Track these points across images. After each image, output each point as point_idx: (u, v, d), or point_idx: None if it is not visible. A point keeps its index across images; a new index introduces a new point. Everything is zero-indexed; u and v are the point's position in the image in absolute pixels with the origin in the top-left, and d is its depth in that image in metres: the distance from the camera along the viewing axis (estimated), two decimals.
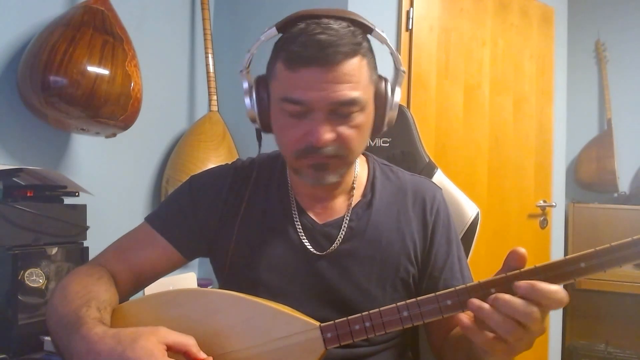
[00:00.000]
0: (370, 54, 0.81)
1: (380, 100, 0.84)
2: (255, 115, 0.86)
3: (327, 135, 0.77)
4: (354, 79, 0.77)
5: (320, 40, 0.75)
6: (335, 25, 0.77)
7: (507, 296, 0.62)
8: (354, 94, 0.77)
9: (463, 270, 0.93)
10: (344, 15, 0.80)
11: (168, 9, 2.01)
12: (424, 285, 0.91)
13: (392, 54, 0.85)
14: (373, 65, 0.83)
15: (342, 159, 0.81)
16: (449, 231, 0.94)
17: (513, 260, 0.66)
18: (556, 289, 0.61)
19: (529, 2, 2.48)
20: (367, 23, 0.82)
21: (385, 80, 0.85)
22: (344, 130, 0.79)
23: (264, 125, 0.87)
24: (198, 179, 0.96)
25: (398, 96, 0.86)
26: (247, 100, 0.86)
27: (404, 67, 0.87)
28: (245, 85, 0.87)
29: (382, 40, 0.83)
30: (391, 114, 0.86)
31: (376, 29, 0.82)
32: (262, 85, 0.85)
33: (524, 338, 0.62)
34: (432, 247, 0.91)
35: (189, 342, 0.68)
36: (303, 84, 0.76)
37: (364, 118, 0.81)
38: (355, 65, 0.77)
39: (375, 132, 0.86)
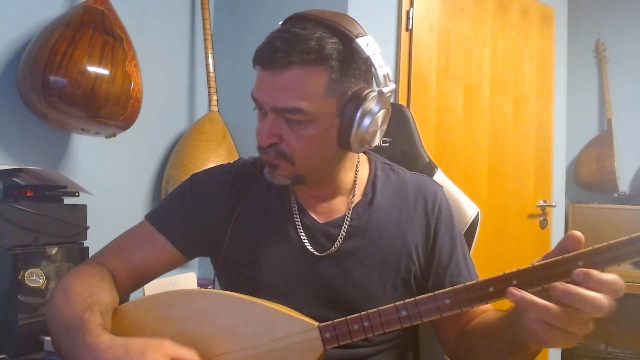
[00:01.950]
0: (339, 65, 0.76)
1: (346, 118, 0.78)
2: None
3: (267, 137, 0.79)
4: (298, 89, 0.75)
5: (272, 43, 0.76)
6: (301, 30, 0.76)
7: (576, 289, 0.58)
8: (295, 103, 0.76)
9: (469, 266, 0.92)
10: (330, 20, 0.77)
11: (168, 9, 2.01)
12: (430, 283, 0.90)
13: (373, 73, 0.79)
14: (339, 77, 0.77)
15: (291, 164, 0.81)
16: (452, 228, 0.93)
17: (570, 243, 0.63)
18: (613, 280, 0.59)
19: (529, 2, 2.48)
20: (348, 32, 0.77)
21: (363, 97, 0.78)
22: (290, 137, 0.79)
23: None
24: (200, 177, 0.96)
25: (369, 117, 0.78)
26: None
27: (390, 85, 0.79)
28: None
29: (362, 54, 0.77)
30: (363, 135, 0.79)
31: (357, 40, 0.76)
32: None
33: (586, 328, 0.60)
34: (435, 245, 0.91)
35: (192, 356, 0.69)
36: (257, 83, 0.79)
37: (314, 130, 0.79)
38: (301, 74, 0.75)
39: (343, 147, 0.81)
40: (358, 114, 0.78)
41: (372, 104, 0.79)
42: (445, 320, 0.83)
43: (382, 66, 0.78)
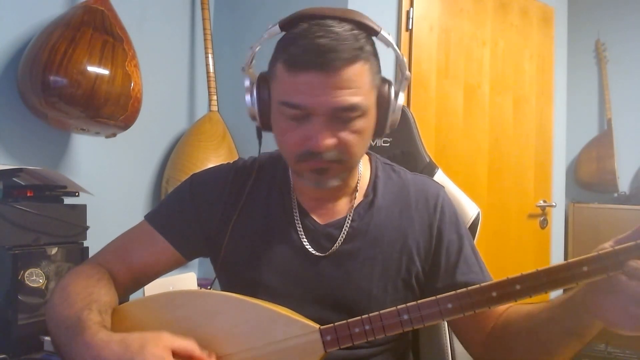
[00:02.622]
0: (373, 57, 0.79)
1: (383, 104, 0.82)
2: (255, 113, 0.85)
3: (327, 141, 0.76)
4: (355, 85, 0.75)
5: (320, 44, 0.73)
6: (337, 27, 0.75)
7: None
8: (354, 99, 0.75)
9: (480, 263, 0.90)
10: (348, 16, 0.78)
11: (168, 9, 2.01)
12: (438, 284, 0.88)
13: (397, 58, 0.83)
14: (376, 69, 0.80)
15: (343, 163, 0.80)
16: (458, 226, 0.92)
17: None
18: None
19: (529, 2, 2.48)
20: (372, 25, 0.79)
21: (389, 83, 0.83)
22: (345, 135, 0.78)
23: (264, 124, 0.85)
24: (199, 177, 0.96)
25: (401, 100, 0.85)
26: (247, 98, 0.85)
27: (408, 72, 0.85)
28: (247, 82, 0.85)
29: (388, 44, 0.81)
30: (394, 118, 0.85)
31: (382, 32, 0.80)
32: (263, 83, 0.83)
33: None
34: (440, 244, 0.90)
35: (192, 345, 0.70)
36: (302, 89, 0.75)
37: (365, 123, 0.80)
38: (356, 71, 0.75)
39: (377, 135, 0.85)
40: (392, 100, 0.82)
41: (399, 88, 0.84)
42: (466, 322, 0.82)
43: (402, 54, 0.83)
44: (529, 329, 0.78)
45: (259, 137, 0.90)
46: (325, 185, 0.82)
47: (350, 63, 0.74)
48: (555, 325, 0.72)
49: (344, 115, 0.76)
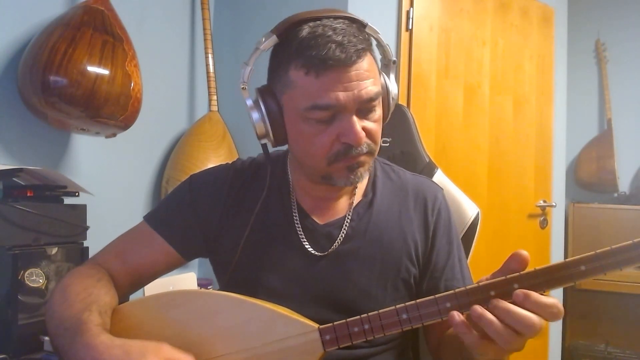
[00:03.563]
0: (372, 47, 0.82)
1: (385, 90, 0.84)
2: (268, 130, 0.81)
3: (362, 132, 0.77)
4: (372, 74, 0.78)
5: (337, 40, 0.74)
6: (338, 24, 0.76)
7: (509, 305, 0.61)
8: (375, 88, 0.78)
9: (463, 271, 0.93)
10: (338, 14, 0.79)
11: (168, 9, 2.01)
12: (424, 285, 0.91)
13: (383, 46, 0.85)
14: (376, 58, 0.83)
15: (372, 154, 0.82)
16: (450, 232, 0.94)
17: (515, 263, 0.65)
18: (551, 303, 0.61)
19: (529, 2, 2.48)
20: (360, 19, 0.81)
21: (385, 70, 0.86)
22: (369, 125, 0.80)
23: (279, 139, 0.83)
24: (198, 178, 0.96)
25: (396, 86, 0.87)
26: (255, 116, 0.81)
27: (394, 58, 0.87)
28: (249, 101, 0.82)
29: (374, 34, 0.82)
30: (393, 103, 0.86)
31: (369, 24, 0.81)
32: (270, 97, 0.81)
33: (517, 343, 0.62)
34: (433, 247, 0.91)
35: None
36: (331, 87, 0.75)
37: (380, 111, 0.82)
38: (370, 60, 0.79)
39: (383, 121, 0.86)
40: (391, 85, 0.84)
41: (388, 73, 0.85)
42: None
43: (386, 44, 0.86)
44: (448, 344, 0.83)
45: (266, 153, 0.89)
46: (357, 180, 0.82)
47: (364, 54, 0.77)
48: (457, 346, 0.77)
49: (368, 106, 0.78)
